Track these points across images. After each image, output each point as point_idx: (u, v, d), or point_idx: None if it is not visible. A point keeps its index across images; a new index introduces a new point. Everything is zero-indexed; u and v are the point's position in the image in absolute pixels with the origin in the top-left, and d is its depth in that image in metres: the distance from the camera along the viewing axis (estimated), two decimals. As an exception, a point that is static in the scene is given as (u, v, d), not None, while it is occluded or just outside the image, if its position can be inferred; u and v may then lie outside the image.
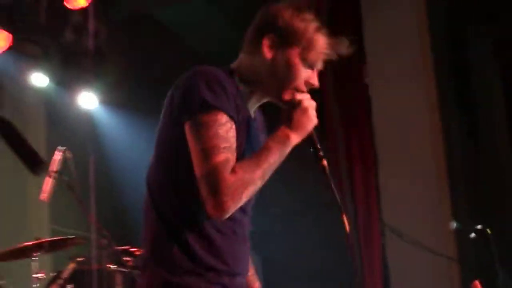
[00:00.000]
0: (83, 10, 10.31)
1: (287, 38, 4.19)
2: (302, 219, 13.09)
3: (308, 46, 4.19)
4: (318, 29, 4.21)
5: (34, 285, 7.70)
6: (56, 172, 7.42)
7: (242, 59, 4.31)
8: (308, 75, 4.21)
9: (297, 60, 4.17)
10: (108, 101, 11.80)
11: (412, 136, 10.81)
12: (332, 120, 10.86)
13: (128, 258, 7.65)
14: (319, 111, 4.18)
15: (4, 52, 10.19)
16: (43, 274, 7.77)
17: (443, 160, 10.86)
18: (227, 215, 3.83)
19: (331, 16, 10.85)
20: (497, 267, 7.97)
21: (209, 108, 3.86)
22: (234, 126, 3.93)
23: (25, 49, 10.76)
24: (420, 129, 10.84)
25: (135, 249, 7.71)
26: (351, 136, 10.88)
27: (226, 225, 4.02)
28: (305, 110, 4.12)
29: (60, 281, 7.78)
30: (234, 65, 4.31)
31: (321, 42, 4.21)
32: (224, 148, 3.84)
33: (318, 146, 4.21)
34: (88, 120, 11.64)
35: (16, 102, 11.37)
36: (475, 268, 10.08)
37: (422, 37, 11.10)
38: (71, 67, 11.10)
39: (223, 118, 3.88)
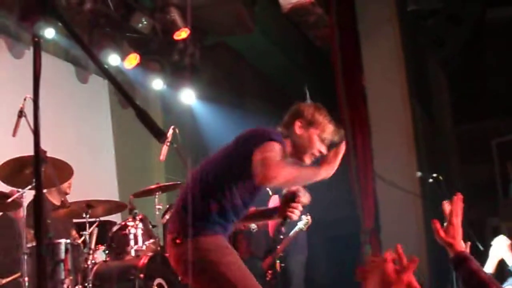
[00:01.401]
0: (184, 40, 10.45)
1: (310, 124, 4.66)
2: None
3: (322, 131, 4.63)
4: (329, 121, 4.69)
5: (156, 213, 7.97)
6: (169, 141, 7.74)
7: (282, 130, 4.73)
8: (319, 147, 4.64)
9: (315, 138, 4.63)
10: (202, 97, 11.89)
11: (392, 118, 11.00)
12: (343, 107, 10.76)
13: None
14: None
15: (135, 67, 10.38)
16: (161, 206, 8.04)
17: (412, 135, 11.03)
18: (269, 185, 4.39)
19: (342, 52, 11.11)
20: (445, 199, 8.20)
21: (272, 140, 4.35)
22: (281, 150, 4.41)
23: (148, 65, 10.94)
24: (397, 113, 11.02)
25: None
26: (354, 116, 10.78)
27: (229, 214, 4.48)
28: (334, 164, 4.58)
29: (171, 210, 8.14)
30: (279, 129, 4.73)
31: (330, 130, 4.65)
32: (276, 155, 4.30)
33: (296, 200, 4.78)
34: (188, 109, 11.78)
35: (144, 98, 11.52)
36: (432, 201, 10.11)
37: (399, 59, 11.38)
38: (177, 76, 11.36)
39: (278, 146, 4.36)
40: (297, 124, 4.68)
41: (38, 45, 2.65)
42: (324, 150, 4.67)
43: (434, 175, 8.52)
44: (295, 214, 4.81)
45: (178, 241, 4.40)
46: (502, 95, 13.41)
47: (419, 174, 9.56)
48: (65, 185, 7.88)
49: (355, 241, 10.57)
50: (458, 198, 3.52)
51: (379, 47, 11.29)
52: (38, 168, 2.69)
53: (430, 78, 14.32)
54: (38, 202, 2.53)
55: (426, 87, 13.88)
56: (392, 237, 9.94)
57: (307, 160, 4.69)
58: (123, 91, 2.73)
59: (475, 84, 14.20)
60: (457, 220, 3.46)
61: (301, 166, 4.63)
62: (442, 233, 3.42)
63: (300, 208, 4.81)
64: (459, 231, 3.43)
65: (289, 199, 4.82)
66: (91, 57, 2.81)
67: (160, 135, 2.62)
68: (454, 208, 3.49)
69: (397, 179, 10.39)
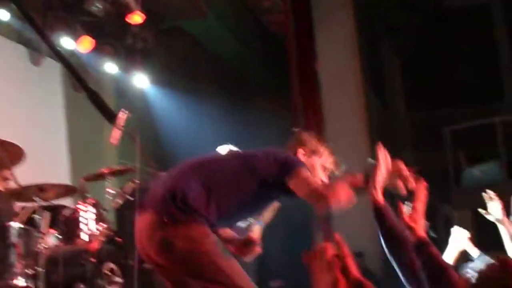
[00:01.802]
0: (138, 24, 10.50)
1: (313, 153, 4.85)
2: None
3: (324, 159, 4.91)
4: (330, 151, 4.94)
5: (107, 196, 7.96)
6: (122, 125, 7.75)
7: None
8: (321, 175, 4.87)
9: (317, 166, 4.85)
10: (156, 82, 11.97)
11: (345, 104, 11.13)
12: (296, 93, 10.94)
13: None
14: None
15: (90, 51, 10.49)
16: (113, 190, 8.03)
17: (365, 121, 11.15)
18: (335, 208, 4.55)
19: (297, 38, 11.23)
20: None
21: (302, 165, 4.59)
22: None
23: (102, 49, 10.89)
24: (351, 100, 11.16)
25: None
26: (307, 102, 10.90)
27: (220, 219, 4.54)
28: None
29: (123, 194, 8.04)
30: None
31: (331, 159, 4.91)
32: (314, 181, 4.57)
33: None
34: (142, 93, 11.99)
35: (97, 82, 11.44)
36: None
37: (353, 46, 11.46)
38: (131, 60, 11.35)
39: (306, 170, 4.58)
40: (301, 152, 4.86)
41: (-10, 27, 2.66)
42: (325, 178, 4.89)
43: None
44: (248, 258, 5.01)
45: (166, 221, 4.38)
46: (456, 83, 13.60)
47: (371, 161, 9.65)
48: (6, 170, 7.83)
49: (309, 227, 10.64)
50: (422, 185, 3.70)
51: (333, 33, 11.39)
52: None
53: (384, 64, 14.46)
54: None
55: (380, 73, 14.02)
56: (344, 225, 10.01)
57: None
58: (76, 74, 2.76)
59: (429, 72, 14.36)
60: (420, 206, 3.72)
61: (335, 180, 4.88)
62: (405, 217, 3.65)
63: (255, 253, 5.00)
64: (421, 217, 3.67)
65: (247, 243, 4.99)
66: (44, 40, 2.83)
67: (111, 117, 2.65)
68: (418, 194, 3.66)
69: (349, 165, 10.48)
